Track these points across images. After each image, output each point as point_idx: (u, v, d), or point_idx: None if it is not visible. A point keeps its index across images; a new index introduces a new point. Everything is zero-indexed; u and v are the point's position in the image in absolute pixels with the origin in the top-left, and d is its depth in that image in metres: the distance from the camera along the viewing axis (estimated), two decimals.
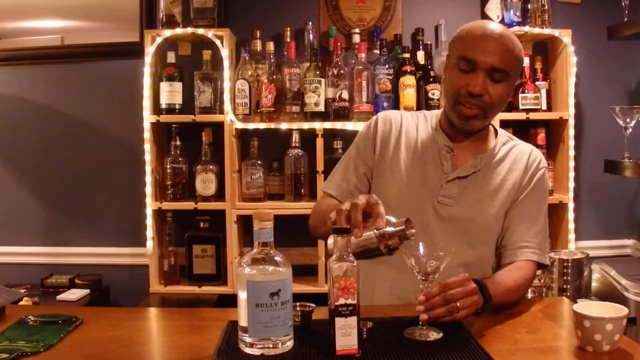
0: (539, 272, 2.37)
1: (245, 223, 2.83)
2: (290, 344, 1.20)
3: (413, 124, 1.71)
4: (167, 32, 2.72)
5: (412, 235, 1.29)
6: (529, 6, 2.79)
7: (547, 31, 2.74)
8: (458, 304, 1.28)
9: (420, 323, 1.26)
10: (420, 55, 2.82)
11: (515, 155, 1.66)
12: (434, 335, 1.24)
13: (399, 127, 1.70)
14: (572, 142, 2.76)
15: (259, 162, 2.76)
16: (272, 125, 2.72)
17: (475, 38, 1.53)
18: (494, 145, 1.67)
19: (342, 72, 2.71)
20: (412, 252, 1.29)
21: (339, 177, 1.73)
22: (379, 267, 1.60)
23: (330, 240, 1.28)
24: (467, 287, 1.31)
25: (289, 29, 2.81)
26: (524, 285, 1.56)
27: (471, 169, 1.62)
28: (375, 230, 1.28)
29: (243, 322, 1.19)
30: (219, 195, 2.74)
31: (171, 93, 2.74)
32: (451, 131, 1.65)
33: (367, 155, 1.71)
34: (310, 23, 2.84)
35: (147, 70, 2.72)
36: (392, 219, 1.30)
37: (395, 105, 2.73)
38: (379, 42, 2.81)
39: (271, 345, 1.18)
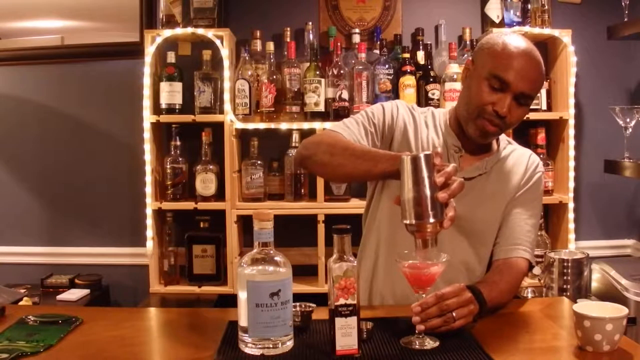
0: (537, 272, 2.40)
1: (245, 223, 2.83)
2: (290, 344, 1.21)
3: (423, 120, 1.70)
4: (167, 32, 2.72)
5: (427, 247, 1.25)
6: (529, 6, 2.78)
7: (547, 31, 2.74)
8: (454, 314, 1.28)
9: (417, 333, 1.25)
10: (420, 55, 2.81)
11: (515, 159, 1.68)
12: (431, 344, 1.23)
13: (416, 121, 1.68)
14: (572, 142, 2.76)
15: (259, 162, 2.76)
16: (272, 125, 2.72)
17: (512, 59, 1.50)
18: (497, 149, 1.69)
19: (342, 72, 2.71)
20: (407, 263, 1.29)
21: (357, 132, 1.60)
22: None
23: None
24: (462, 297, 1.32)
25: (289, 29, 2.81)
26: (516, 285, 1.58)
27: (477, 171, 1.63)
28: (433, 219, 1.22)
29: (243, 322, 1.19)
30: (219, 195, 2.74)
31: (171, 93, 2.74)
32: (460, 133, 1.64)
33: (381, 131, 1.65)
34: (310, 23, 2.84)
35: (147, 70, 2.72)
36: None
37: None
38: (379, 42, 2.81)
39: (271, 345, 1.18)
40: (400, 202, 1.24)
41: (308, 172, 2.57)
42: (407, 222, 1.23)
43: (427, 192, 1.21)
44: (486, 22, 2.88)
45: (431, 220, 1.21)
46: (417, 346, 1.23)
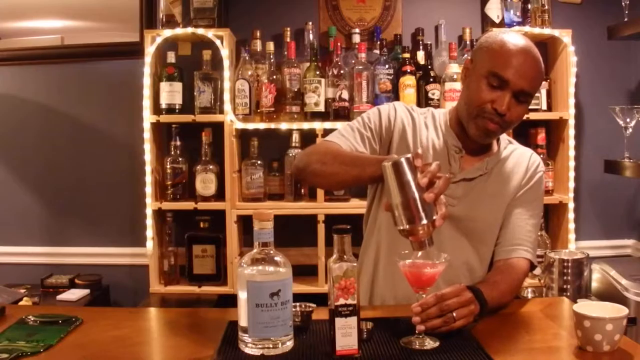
0: (537, 272, 2.40)
1: (245, 223, 2.83)
2: (290, 344, 1.21)
3: (422, 121, 1.69)
4: (167, 32, 2.72)
5: (424, 248, 1.26)
6: (529, 6, 2.78)
7: (547, 31, 2.74)
8: (454, 314, 1.28)
9: (417, 333, 1.25)
10: (420, 55, 2.81)
11: (516, 159, 1.68)
12: (431, 344, 1.23)
13: (415, 122, 1.67)
14: (572, 142, 2.76)
15: (259, 162, 2.76)
16: (272, 125, 2.72)
17: (510, 56, 1.50)
18: (498, 148, 1.69)
19: (342, 72, 2.71)
20: (408, 263, 1.29)
21: (352, 139, 1.61)
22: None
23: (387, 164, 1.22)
24: (463, 297, 1.31)
25: (289, 29, 2.81)
26: (517, 286, 1.58)
27: (478, 171, 1.63)
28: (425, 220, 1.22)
29: (243, 322, 1.19)
30: (219, 195, 2.74)
31: (171, 93, 2.74)
32: (461, 133, 1.64)
33: (379, 134, 1.65)
34: (310, 23, 2.84)
35: (147, 70, 2.72)
36: None
37: None
38: (379, 42, 2.81)
39: (271, 345, 1.18)
40: (389, 208, 1.25)
41: (306, 183, 2.59)
42: (400, 227, 1.23)
43: (414, 195, 1.21)
44: (486, 22, 2.88)
45: (423, 222, 1.21)
46: (417, 346, 1.23)
